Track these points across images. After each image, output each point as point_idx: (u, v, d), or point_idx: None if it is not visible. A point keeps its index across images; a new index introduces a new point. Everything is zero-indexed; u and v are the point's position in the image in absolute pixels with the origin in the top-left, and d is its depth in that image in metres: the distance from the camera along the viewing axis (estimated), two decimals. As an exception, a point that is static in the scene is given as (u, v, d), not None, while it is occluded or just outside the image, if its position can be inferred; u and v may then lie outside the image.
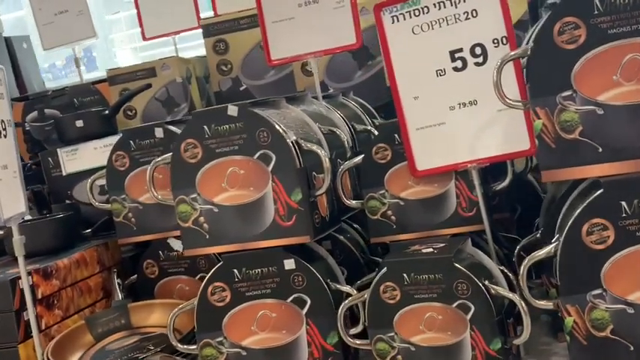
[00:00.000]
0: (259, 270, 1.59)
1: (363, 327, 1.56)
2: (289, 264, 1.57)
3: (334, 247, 1.77)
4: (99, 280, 2.04)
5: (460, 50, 1.55)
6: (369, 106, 2.16)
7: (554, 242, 1.42)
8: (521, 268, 1.43)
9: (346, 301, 1.54)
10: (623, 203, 1.34)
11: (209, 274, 1.63)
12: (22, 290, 1.71)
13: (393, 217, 1.67)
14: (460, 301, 1.42)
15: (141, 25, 2.84)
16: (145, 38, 2.84)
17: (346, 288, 1.59)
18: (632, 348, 1.37)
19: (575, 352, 1.40)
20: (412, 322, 1.47)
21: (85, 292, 1.99)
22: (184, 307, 1.66)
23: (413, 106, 1.59)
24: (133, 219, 1.97)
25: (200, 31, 2.65)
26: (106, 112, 2.39)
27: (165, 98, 2.62)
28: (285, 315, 1.58)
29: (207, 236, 1.64)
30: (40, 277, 1.82)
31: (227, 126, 1.59)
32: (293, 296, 1.58)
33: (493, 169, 1.66)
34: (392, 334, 1.48)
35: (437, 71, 1.57)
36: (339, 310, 1.53)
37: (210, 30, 2.62)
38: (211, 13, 2.73)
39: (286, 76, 2.51)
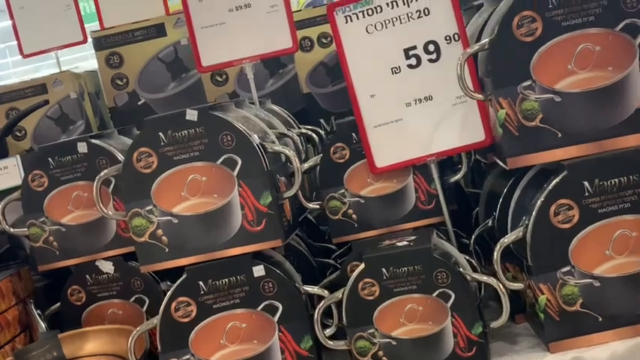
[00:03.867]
0: (226, 280, 1.53)
1: (336, 328, 1.55)
2: (258, 270, 1.52)
3: (287, 252, 1.74)
4: (15, 314, 1.86)
5: (414, 48, 1.59)
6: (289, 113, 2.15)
7: (521, 226, 1.49)
8: (495, 253, 1.48)
9: (322, 303, 1.51)
10: (586, 183, 1.44)
11: (172, 289, 1.54)
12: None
13: (354, 216, 1.67)
14: (440, 290, 1.45)
15: (18, 41, 2.64)
16: (23, 55, 2.64)
17: (318, 290, 1.56)
18: (600, 319, 1.46)
19: (550, 328, 1.47)
20: (392, 316, 1.47)
21: (5, 327, 1.81)
22: (145, 327, 1.56)
23: (369, 104, 1.61)
24: (54, 243, 1.81)
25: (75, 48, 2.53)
26: (-3, 133, 2.21)
27: (58, 116, 2.44)
28: (256, 324, 1.53)
29: (167, 249, 1.55)
30: (-40, 312, 1.64)
31: (185, 131, 1.52)
32: (264, 304, 1.53)
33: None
34: (372, 330, 1.48)
35: (392, 69, 1.60)
36: (316, 313, 1.51)
37: (102, 43, 2.48)
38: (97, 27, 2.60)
39: (191, 88, 2.43)
